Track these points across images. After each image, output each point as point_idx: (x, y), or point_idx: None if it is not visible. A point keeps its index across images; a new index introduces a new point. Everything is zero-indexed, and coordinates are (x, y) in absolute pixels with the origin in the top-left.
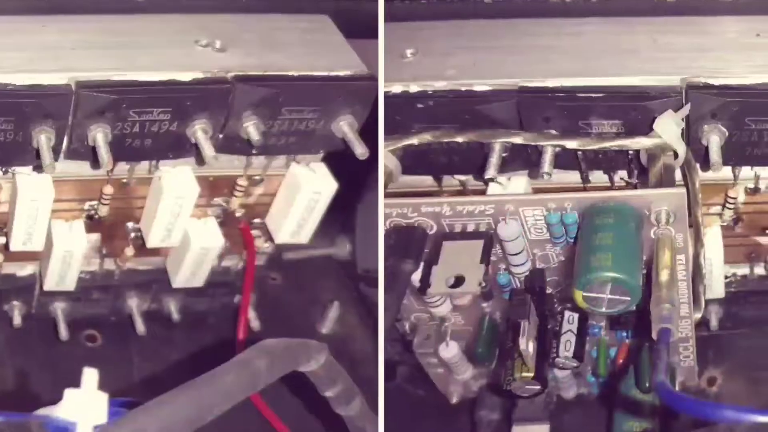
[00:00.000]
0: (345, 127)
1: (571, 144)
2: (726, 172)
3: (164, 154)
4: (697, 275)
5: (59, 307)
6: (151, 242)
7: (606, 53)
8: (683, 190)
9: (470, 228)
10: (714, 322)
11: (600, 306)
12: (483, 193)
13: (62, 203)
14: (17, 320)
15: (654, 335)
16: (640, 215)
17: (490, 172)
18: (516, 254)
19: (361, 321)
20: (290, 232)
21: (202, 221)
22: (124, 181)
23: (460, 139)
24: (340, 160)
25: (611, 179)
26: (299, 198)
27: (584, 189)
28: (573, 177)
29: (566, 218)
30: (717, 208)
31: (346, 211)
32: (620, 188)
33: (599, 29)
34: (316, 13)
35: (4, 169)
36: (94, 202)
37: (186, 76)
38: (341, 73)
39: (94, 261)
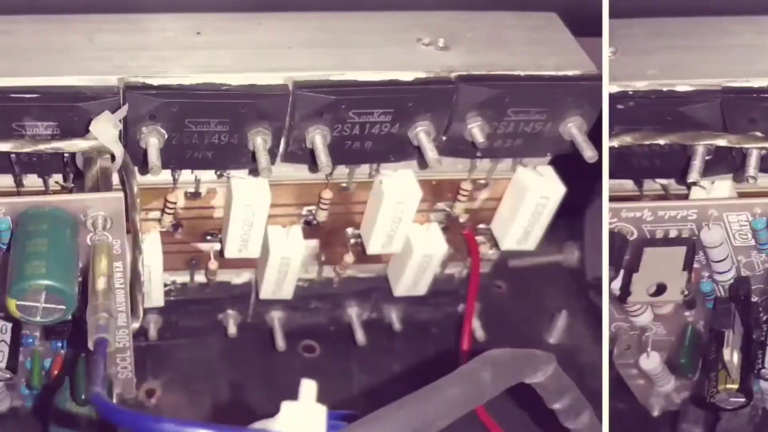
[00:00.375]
0: (573, 129)
1: None
2: (166, 175)
3: (385, 157)
4: (135, 283)
5: (276, 317)
6: (372, 249)
7: None
8: (121, 194)
9: (672, 234)
10: (153, 332)
11: None
12: (686, 197)
13: (279, 208)
14: (232, 330)
15: (90, 345)
16: (75, 220)
17: (693, 176)
18: (720, 261)
19: (591, 331)
20: (516, 238)
21: (425, 227)
22: (344, 185)
23: (661, 142)
24: (566, 163)
25: None
26: (526, 203)
27: None
28: None
29: None
30: (156, 213)
31: (575, 216)
32: None
33: None
34: (544, 10)
35: (218, 173)
36: (312, 207)
37: (408, 76)
38: (570, 73)
39: (312, 268)
